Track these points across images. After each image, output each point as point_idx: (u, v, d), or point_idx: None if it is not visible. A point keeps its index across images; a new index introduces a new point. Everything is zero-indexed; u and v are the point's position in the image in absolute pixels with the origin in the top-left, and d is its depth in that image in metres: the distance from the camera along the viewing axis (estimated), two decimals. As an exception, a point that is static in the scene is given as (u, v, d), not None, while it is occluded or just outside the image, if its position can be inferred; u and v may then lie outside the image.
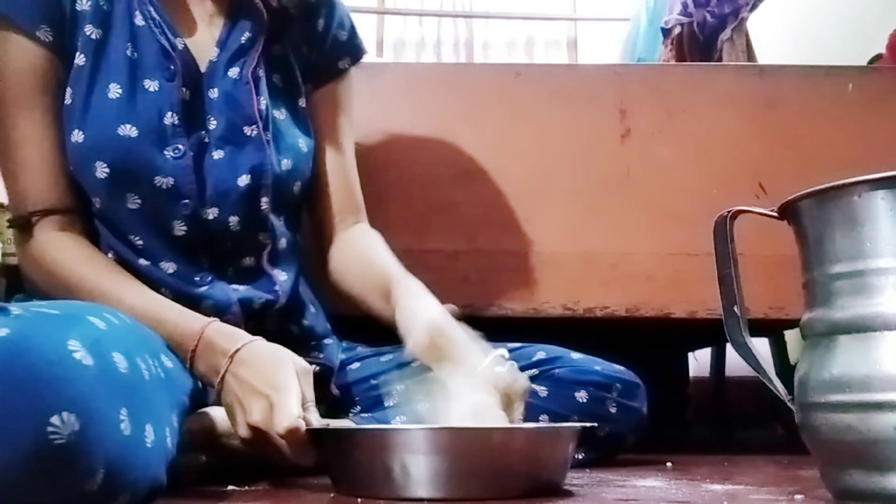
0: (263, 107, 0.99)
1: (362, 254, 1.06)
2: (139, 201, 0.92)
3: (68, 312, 0.62)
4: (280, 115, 1.02)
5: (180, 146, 0.93)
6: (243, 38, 1.00)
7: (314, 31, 1.08)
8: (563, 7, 3.90)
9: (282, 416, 0.76)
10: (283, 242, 1.02)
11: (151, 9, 0.95)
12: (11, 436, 0.50)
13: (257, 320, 0.96)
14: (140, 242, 0.94)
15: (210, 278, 0.95)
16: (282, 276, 1.01)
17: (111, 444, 0.56)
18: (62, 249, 0.92)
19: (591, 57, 3.71)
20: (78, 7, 0.94)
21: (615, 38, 3.34)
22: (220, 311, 0.93)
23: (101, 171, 0.91)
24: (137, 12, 0.95)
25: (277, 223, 1.01)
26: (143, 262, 0.94)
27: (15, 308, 0.56)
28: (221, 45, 0.99)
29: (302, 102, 1.06)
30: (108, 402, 0.56)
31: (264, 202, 0.97)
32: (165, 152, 0.92)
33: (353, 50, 1.12)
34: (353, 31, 1.12)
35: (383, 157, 1.19)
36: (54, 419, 0.51)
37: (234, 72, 0.98)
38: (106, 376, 0.57)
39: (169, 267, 0.94)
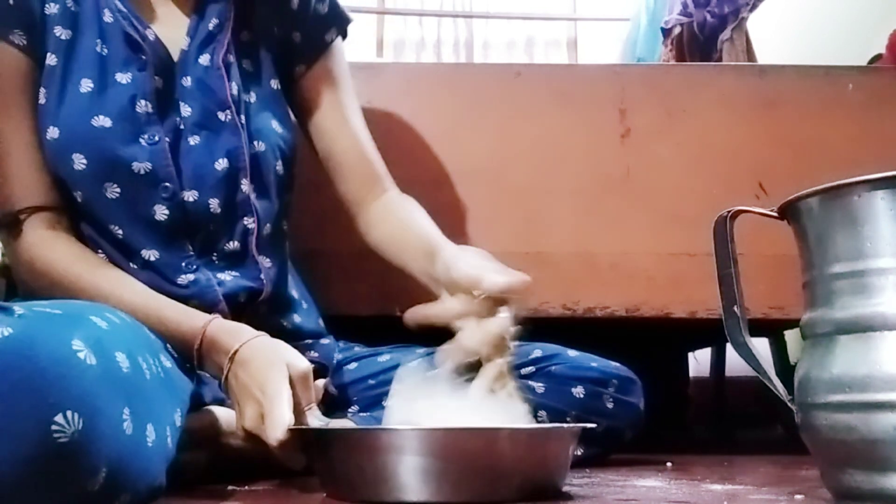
0: (236, 91, 0.99)
1: (401, 222, 1.05)
2: (118, 190, 0.93)
3: (71, 312, 0.62)
4: (250, 98, 1.02)
5: (155, 134, 0.94)
6: (211, 25, 1.00)
7: (289, 11, 1.07)
8: (563, 7, 3.90)
9: (273, 427, 0.77)
10: (267, 228, 1.02)
11: (118, 3, 0.96)
12: (16, 434, 0.50)
13: (247, 314, 0.96)
14: (120, 233, 0.94)
15: (195, 265, 0.96)
16: (266, 263, 1.01)
17: (114, 443, 0.56)
18: (54, 249, 0.93)
19: (591, 57, 3.72)
20: (47, 11, 0.96)
21: (615, 38, 3.34)
22: (206, 309, 0.92)
23: (79, 162, 0.92)
24: (105, 9, 0.97)
25: (261, 208, 1.01)
26: (124, 259, 0.94)
27: (18, 308, 0.56)
28: (192, 34, 1.00)
29: (274, 85, 1.06)
30: (111, 401, 0.56)
31: (244, 184, 0.98)
32: (140, 139, 0.93)
33: (337, 20, 1.10)
34: (333, 2, 1.10)
35: (383, 157, 1.19)
36: (58, 418, 0.51)
37: (205, 59, 0.99)
38: (109, 376, 0.58)
39: (152, 255, 0.94)
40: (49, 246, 0.93)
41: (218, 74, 0.99)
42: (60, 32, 0.96)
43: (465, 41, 3.87)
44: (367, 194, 1.08)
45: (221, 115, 0.98)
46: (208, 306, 0.93)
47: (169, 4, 1.02)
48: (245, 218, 0.99)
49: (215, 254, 0.98)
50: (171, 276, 0.95)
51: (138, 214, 0.94)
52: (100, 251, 0.95)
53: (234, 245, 0.98)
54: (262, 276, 0.99)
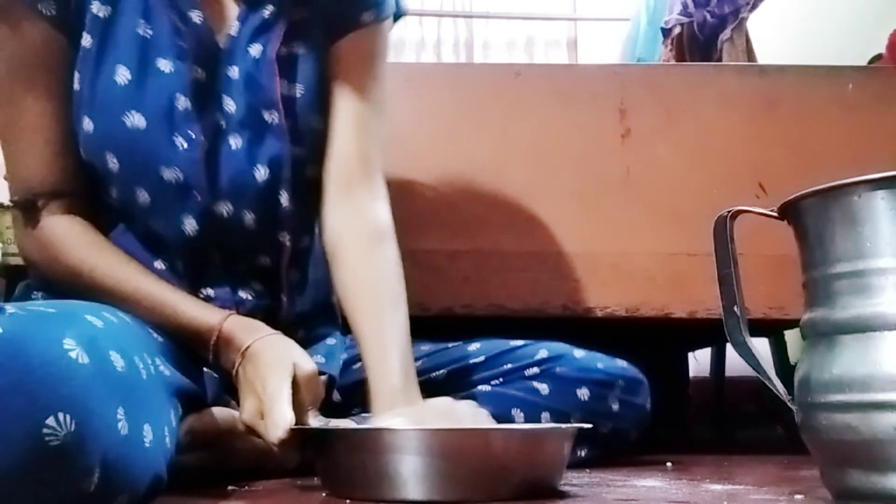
0: (286, 89, 0.94)
1: (367, 289, 0.93)
2: (147, 196, 0.90)
3: (64, 311, 0.61)
4: (299, 91, 0.96)
5: (192, 133, 0.89)
6: (267, 12, 0.94)
7: None
8: (563, 7, 3.90)
9: (274, 426, 0.76)
10: (306, 241, 1.00)
11: None
12: (7, 437, 0.49)
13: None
14: (148, 238, 0.93)
15: (219, 279, 0.93)
16: (294, 278, 0.99)
17: (108, 443, 0.55)
18: (70, 234, 0.90)
19: (591, 57, 3.71)
20: None
21: (615, 38, 3.34)
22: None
23: (112, 162, 0.88)
24: None
25: (302, 219, 0.98)
26: (150, 259, 0.92)
27: (10, 307, 0.56)
28: (243, 19, 0.94)
29: (325, 70, 0.99)
30: (104, 401, 0.56)
31: (284, 198, 0.94)
32: (175, 141, 0.88)
33: (379, 4, 1.01)
34: None
35: (383, 157, 1.19)
36: (50, 420, 0.51)
37: (256, 49, 0.93)
38: (102, 375, 0.57)
39: (177, 264, 0.92)
40: (65, 231, 0.90)
41: (269, 70, 0.93)
42: (98, 9, 0.89)
43: (465, 41, 3.87)
44: (345, 196, 0.98)
45: (267, 116, 0.93)
46: None
47: None
48: (281, 233, 0.96)
49: (245, 266, 0.95)
50: (192, 288, 0.92)
51: (166, 223, 0.91)
52: (128, 246, 0.92)
53: (264, 260, 0.96)
54: (285, 294, 0.97)
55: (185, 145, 0.89)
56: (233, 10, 0.95)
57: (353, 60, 1.01)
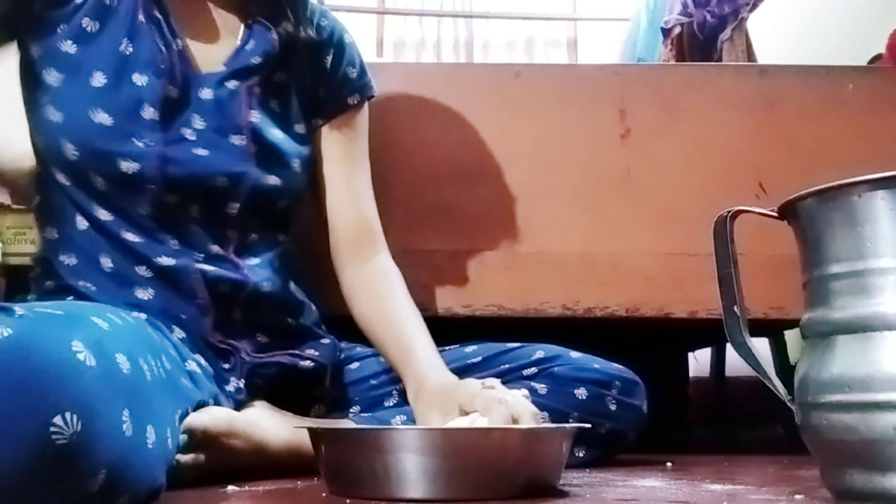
0: (257, 121, 1.00)
1: (381, 309, 1.06)
2: (105, 183, 0.94)
3: (72, 313, 0.62)
4: (277, 134, 1.03)
5: (152, 140, 0.94)
6: (254, 60, 1.01)
7: (322, 67, 1.10)
8: (563, 7, 3.90)
9: None
10: (253, 237, 1.02)
11: (156, 9, 0.97)
12: (14, 435, 0.50)
13: (240, 307, 0.97)
14: (104, 216, 0.95)
15: (178, 256, 0.95)
16: (252, 261, 1.00)
17: (113, 444, 0.56)
18: None
19: (591, 57, 3.72)
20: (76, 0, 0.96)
21: (615, 38, 3.34)
22: (186, 296, 0.94)
23: (71, 152, 0.93)
24: (142, 11, 0.97)
25: (252, 222, 1.01)
26: (106, 242, 0.95)
27: (19, 308, 0.56)
28: (229, 63, 1.01)
29: (299, 129, 1.07)
30: (110, 402, 0.57)
31: (233, 207, 0.98)
32: (134, 141, 0.93)
33: (362, 88, 1.13)
34: (363, 70, 1.14)
35: (383, 158, 1.19)
36: (57, 419, 0.51)
37: (233, 83, 1.00)
38: (109, 377, 0.58)
39: (135, 238, 0.95)
40: None
41: (240, 101, 0.99)
42: (87, 24, 0.96)
43: (465, 41, 3.87)
44: (355, 256, 1.10)
45: (234, 139, 0.98)
46: (187, 293, 0.94)
47: (215, 26, 1.03)
48: (229, 231, 0.99)
49: (199, 254, 0.97)
50: (152, 257, 0.94)
51: (124, 206, 0.95)
52: (77, 227, 0.95)
53: (216, 249, 0.99)
54: (246, 271, 0.99)
55: (144, 145, 0.93)
56: (220, 52, 1.01)
57: (343, 139, 1.12)
